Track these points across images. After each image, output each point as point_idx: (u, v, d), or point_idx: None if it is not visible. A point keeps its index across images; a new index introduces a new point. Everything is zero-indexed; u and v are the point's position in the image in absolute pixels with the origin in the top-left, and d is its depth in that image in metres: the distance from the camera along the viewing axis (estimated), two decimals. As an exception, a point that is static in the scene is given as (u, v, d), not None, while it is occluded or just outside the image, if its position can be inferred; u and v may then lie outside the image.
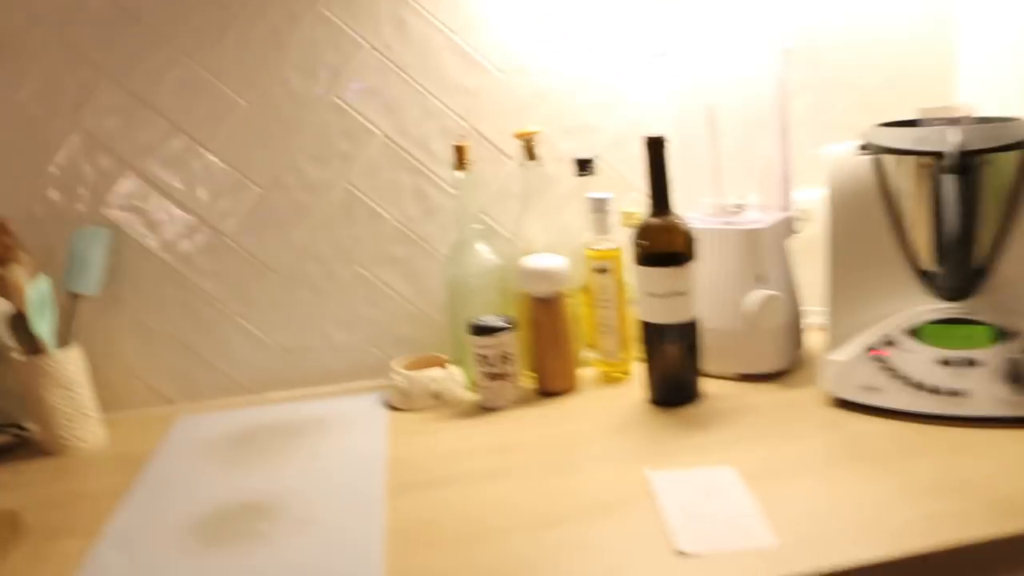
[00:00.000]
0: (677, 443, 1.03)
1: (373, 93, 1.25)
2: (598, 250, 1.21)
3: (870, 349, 1.06)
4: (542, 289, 1.18)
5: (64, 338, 1.19)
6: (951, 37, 1.35)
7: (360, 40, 1.24)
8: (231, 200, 1.26)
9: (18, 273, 1.15)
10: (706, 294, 1.18)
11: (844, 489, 0.89)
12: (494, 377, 1.16)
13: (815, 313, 1.24)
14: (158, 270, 1.26)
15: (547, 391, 1.21)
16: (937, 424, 1.00)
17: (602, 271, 1.21)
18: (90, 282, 1.21)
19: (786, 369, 1.19)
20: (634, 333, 1.19)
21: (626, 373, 1.24)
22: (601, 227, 1.21)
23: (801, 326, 1.24)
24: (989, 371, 1.00)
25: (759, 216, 1.20)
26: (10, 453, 1.19)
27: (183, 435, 1.19)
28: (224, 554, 0.89)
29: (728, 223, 1.18)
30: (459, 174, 1.22)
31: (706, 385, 1.17)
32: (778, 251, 1.20)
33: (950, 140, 0.99)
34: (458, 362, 1.24)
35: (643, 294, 1.12)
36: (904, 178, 1.05)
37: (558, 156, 1.30)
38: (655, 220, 1.11)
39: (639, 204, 1.23)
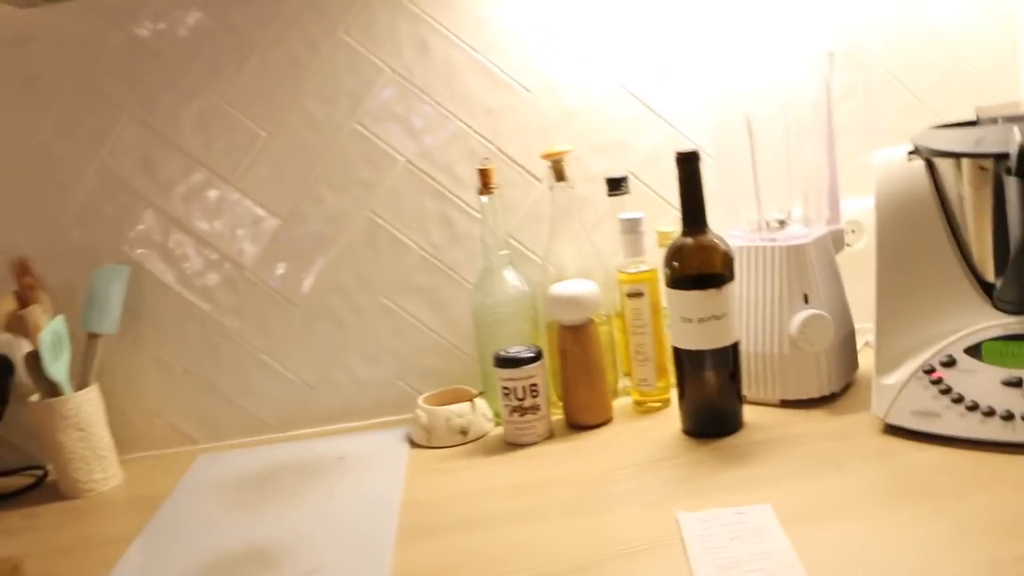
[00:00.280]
0: (712, 479, 0.94)
1: (395, 117, 1.21)
2: (631, 273, 1.14)
3: (926, 370, 0.96)
4: (571, 316, 1.11)
5: (83, 378, 1.17)
6: (1013, 31, 1.24)
7: (381, 64, 1.20)
8: (251, 232, 1.23)
9: (37, 313, 1.14)
10: (747, 316, 1.10)
11: (894, 531, 0.79)
12: (521, 411, 1.09)
13: (870, 332, 1.14)
14: (178, 306, 1.24)
15: (578, 424, 1.13)
16: (1001, 452, 0.90)
17: (636, 295, 1.13)
18: (109, 321, 1.18)
19: (836, 393, 1.10)
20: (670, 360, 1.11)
21: (664, 403, 1.15)
22: (634, 249, 1.14)
23: (856, 346, 1.14)
24: (1061, 393, 0.89)
25: (803, 231, 1.11)
26: (28, 495, 1.17)
27: (200, 476, 1.15)
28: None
29: (770, 240, 1.10)
30: (484, 198, 1.16)
31: (747, 413, 1.08)
32: (826, 267, 1.11)
33: (1014, 139, 0.89)
34: (488, 395, 1.18)
35: (676, 319, 1.04)
36: (961, 183, 0.96)
37: (589, 176, 1.23)
38: (688, 240, 1.04)
39: (675, 224, 1.16)
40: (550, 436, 1.11)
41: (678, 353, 1.05)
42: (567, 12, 1.20)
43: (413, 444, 1.15)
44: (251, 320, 1.24)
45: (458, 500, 0.98)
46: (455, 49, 1.20)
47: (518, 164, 1.23)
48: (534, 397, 1.09)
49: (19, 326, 1.14)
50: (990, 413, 0.91)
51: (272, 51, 1.19)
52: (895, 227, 1.01)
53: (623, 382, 1.20)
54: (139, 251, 1.22)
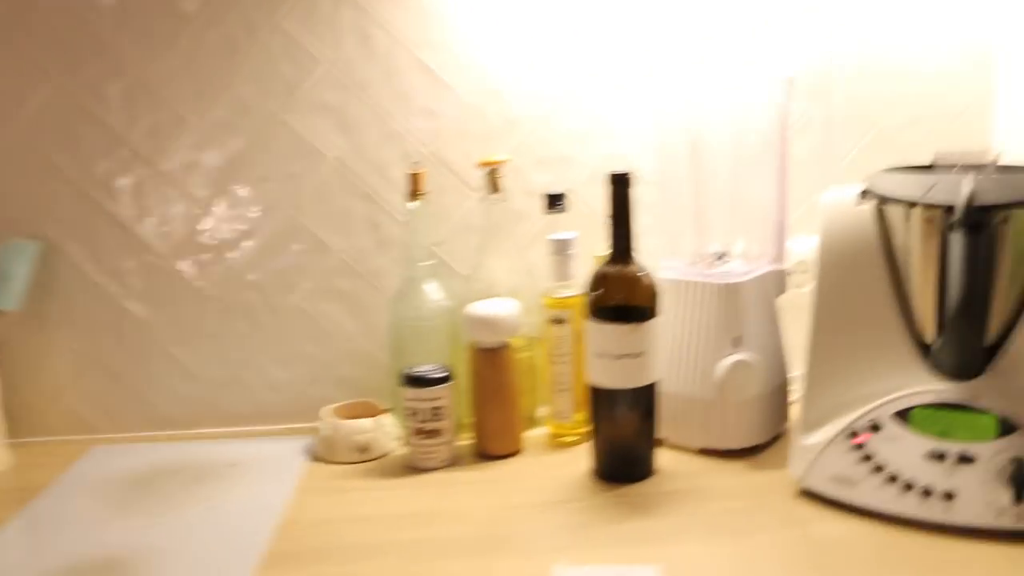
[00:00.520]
0: (608, 529, 0.87)
1: (329, 110, 1.14)
2: (556, 298, 1.07)
3: (849, 434, 0.89)
4: (486, 338, 1.04)
5: (-26, 357, 1.11)
6: (987, 78, 1.17)
7: (318, 55, 1.13)
8: (169, 218, 1.16)
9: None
10: (673, 354, 1.03)
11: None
12: (424, 434, 1.03)
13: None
14: (89, 289, 1.17)
15: (486, 453, 1.06)
16: (920, 531, 0.83)
17: (559, 321, 1.06)
18: (10, 297, 1.12)
19: (761, 445, 1.03)
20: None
21: (581, 437, 1.08)
22: (562, 272, 1.07)
23: (788, 397, 1.07)
24: (988, 471, 0.82)
25: (743, 268, 1.04)
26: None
27: (85, 469, 1.09)
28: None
29: (704, 275, 1.03)
30: (411, 204, 1.10)
31: (663, 459, 1.01)
32: (764, 310, 1.04)
33: (962, 191, 0.82)
34: (398, 412, 1.11)
35: (593, 353, 0.97)
36: (909, 232, 0.88)
37: (529, 190, 1.16)
38: (612, 269, 0.97)
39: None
40: (454, 463, 1.04)
41: (593, 391, 0.98)
42: (520, 15, 1.14)
43: (315, 457, 1.09)
44: (163, 310, 1.18)
45: (338, 525, 0.91)
46: (398, 46, 1.14)
47: (453, 171, 1.16)
48: (437, 420, 1.02)
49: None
50: (909, 487, 0.84)
51: (207, 31, 1.13)
52: (837, 273, 0.93)
53: (543, 411, 1.13)
54: (52, 228, 1.16)
